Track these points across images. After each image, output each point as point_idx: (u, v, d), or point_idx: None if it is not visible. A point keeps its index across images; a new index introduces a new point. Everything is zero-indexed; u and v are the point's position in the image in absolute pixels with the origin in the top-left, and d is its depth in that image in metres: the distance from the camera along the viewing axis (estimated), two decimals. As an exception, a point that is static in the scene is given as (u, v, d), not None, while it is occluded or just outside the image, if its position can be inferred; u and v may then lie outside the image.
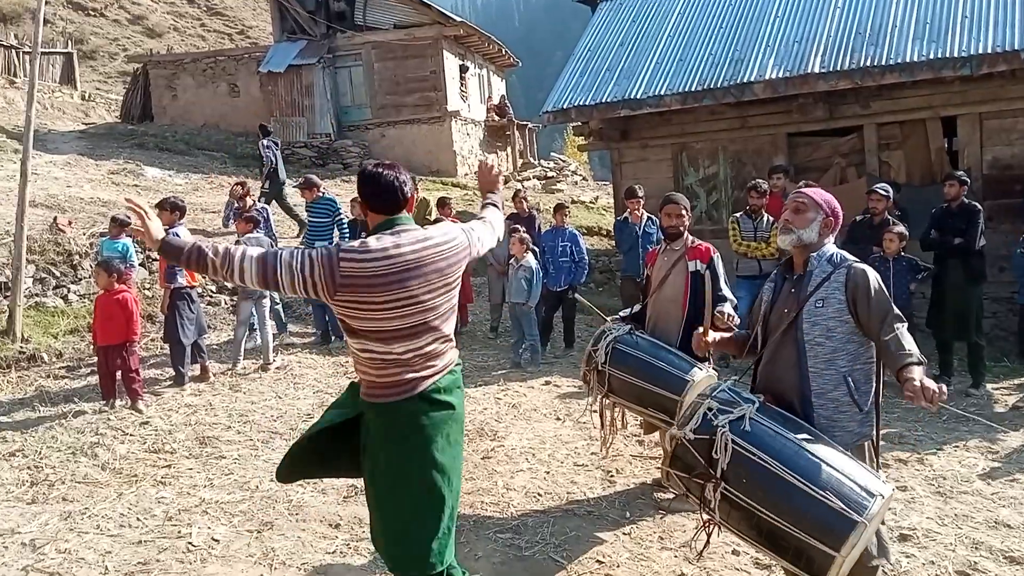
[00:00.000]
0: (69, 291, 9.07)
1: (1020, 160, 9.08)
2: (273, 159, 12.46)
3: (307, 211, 9.09)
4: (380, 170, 2.88)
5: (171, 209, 7.35)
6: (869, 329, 2.95)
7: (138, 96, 23.12)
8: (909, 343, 2.86)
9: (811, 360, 3.00)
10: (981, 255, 7.14)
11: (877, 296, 2.94)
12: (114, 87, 27.80)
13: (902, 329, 2.90)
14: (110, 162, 16.16)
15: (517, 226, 8.34)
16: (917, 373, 2.76)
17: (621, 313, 5.04)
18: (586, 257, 8.71)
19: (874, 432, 3.02)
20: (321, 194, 8.99)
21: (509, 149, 25.01)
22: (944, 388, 2.67)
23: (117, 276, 6.68)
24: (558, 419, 6.34)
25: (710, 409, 2.90)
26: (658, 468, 5.23)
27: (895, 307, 2.96)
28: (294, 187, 12.46)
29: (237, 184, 11.08)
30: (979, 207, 7.19)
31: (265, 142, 12.62)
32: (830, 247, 3.12)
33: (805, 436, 2.79)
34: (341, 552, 4.13)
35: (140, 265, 9.37)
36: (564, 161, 28.02)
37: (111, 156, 16.81)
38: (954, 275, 7.08)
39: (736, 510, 2.77)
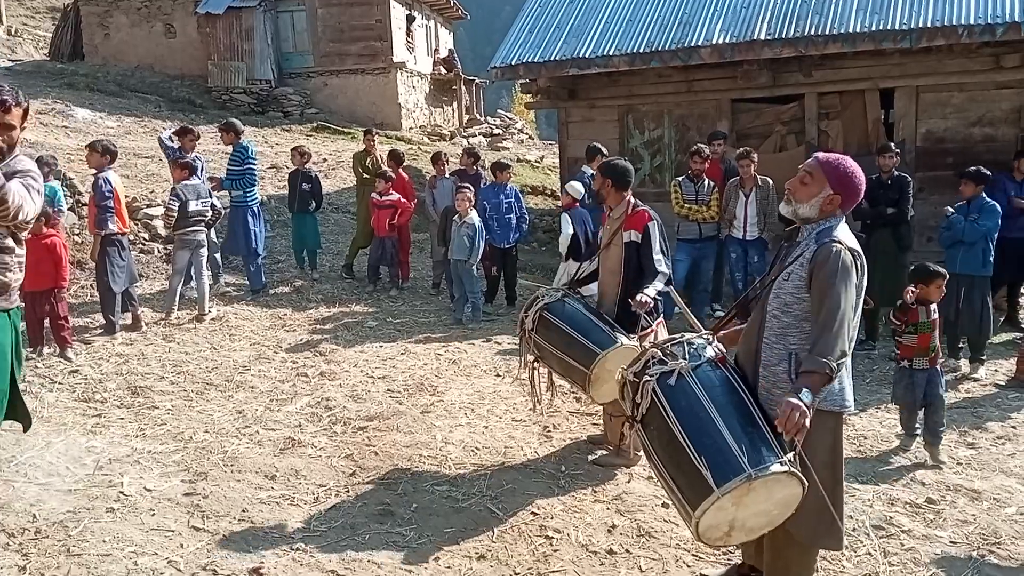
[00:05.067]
0: (-7, 234, 8.68)
1: (953, 134, 9.34)
2: None
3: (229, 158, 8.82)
4: None
5: (102, 152, 7.10)
6: (812, 308, 2.81)
7: (68, 33, 22.08)
8: (828, 345, 2.70)
9: (767, 331, 2.94)
10: (909, 225, 7.38)
11: (828, 278, 2.76)
12: (43, 23, 26.45)
13: (837, 327, 2.71)
14: (38, 101, 15.45)
15: (465, 184, 8.26)
16: (804, 389, 2.66)
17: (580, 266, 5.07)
18: (527, 215, 8.79)
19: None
20: (238, 140, 8.65)
21: (456, 104, 24.70)
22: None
23: (45, 220, 6.45)
24: (498, 375, 6.39)
25: (653, 357, 2.98)
26: (594, 424, 5.34)
27: (843, 302, 2.73)
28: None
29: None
30: (910, 178, 7.40)
31: None
32: (831, 223, 2.90)
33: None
34: (277, 503, 4.12)
35: (69, 210, 9.02)
36: (511, 119, 27.79)
37: (39, 95, 16.07)
38: (884, 244, 7.30)
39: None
